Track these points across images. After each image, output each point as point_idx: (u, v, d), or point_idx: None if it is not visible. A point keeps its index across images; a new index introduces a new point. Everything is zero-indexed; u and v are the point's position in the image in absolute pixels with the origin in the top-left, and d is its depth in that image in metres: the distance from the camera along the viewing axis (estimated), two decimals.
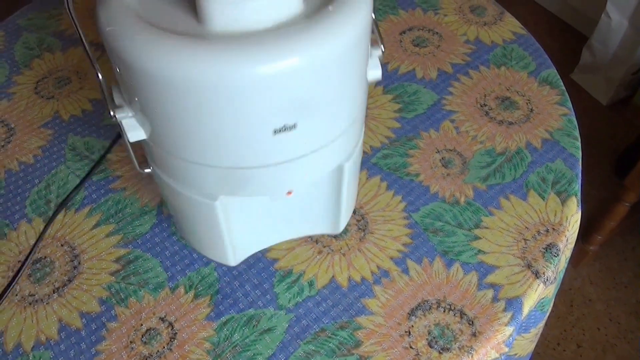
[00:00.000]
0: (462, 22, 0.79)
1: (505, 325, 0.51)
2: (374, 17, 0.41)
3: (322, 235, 0.57)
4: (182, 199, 0.46)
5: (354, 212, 0.58)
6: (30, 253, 0.55)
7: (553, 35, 1.92)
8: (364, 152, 0.63)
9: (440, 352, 0.49)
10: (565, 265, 0.62)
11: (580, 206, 0.60)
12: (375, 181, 0.61)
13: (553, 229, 0.57)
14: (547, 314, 0.62)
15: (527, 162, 0.63)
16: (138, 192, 0.60)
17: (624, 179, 1.21)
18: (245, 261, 0.55)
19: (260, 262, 0.55)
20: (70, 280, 0.54)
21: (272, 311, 0.52)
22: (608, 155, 1.59)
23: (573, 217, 0.59)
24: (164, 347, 0.50)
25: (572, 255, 1.15)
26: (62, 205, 0.58)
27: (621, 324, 1.30)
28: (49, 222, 0.57)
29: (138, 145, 0.45)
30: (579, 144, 0.65)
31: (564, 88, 0.70)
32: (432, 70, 0.72)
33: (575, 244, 0.64)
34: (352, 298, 0.53)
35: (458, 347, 0.49)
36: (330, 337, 0.50)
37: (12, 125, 0.67)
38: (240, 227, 0.48)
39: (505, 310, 0.52)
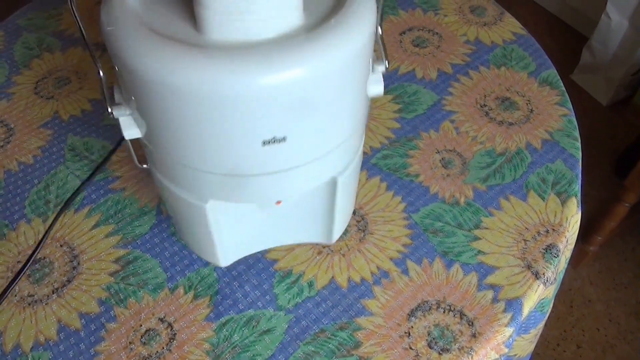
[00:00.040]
0: (462, 22, 0.78)
1: (505, 326, 0.51)
2: (380, 32, 0.41)
3: None
4: (175, 199, 0.46)
5: (354, 212, 0.58)
6: (33, 252, 0.55)
7: (553, 35, 1.92)
8: (364, 153, 0.63)
9: (440, 353, 0.49)
10: (565, 266, 0.62)
11: (580, 207, 0.60)
12: (375, 182, 0.61)
13: (553, 229, 0.57)
14: (547, 314, 0.62)
15: (527, 162, 0.63)
16: (137, 192, 0.60)
17: (624, 179, 1.21)
18: (245, 262, 0.55)
19: (260, 262, 0.55)
20: (69, 281, 0.54)
21: (271, 312, 0.52)
22: (608, 155, 1.59)
23: (573, 218, 0.59)
24: (163, 348, 0.49)
25: (572, 255, 1.15)
26: (65, 206, 0.58)
27: (621, 324, 1.30)
28: (52, 223, 0.57)
29: (138, 141, 0.45)
30: (579, 144, 0.64)
31: (564, 89, 0.70)
32: (432, 71, 0.72)
33: (575, 245, 0.64)
34: (352, 299, 0.53)
35: (458, 348, 0.49)
36: (329, 338, 0.50)
37: (12, 126, 0.67)
38: (231, 230, 0.48)
39: (505, 311, 0.52)
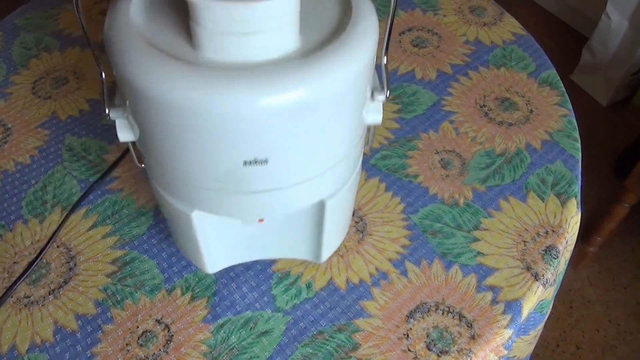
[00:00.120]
0: (462, 22, 0.78)
1: (505, 327, 0.51)
2: (385, 61, 0.40)
3: None
4: (165, 203, 0.46)
5: (353, 213, 0.58)
6: (40, 253, 0.55)
7: (553, 35, 1.92)
8: (363, 153, 0.63)
9: (438, 355, 0.49)
10: (565, 267, 0.62)
11: (580, 208, 0.60)
12: (374, 182, 0.61)
13: (553, 231, 0.57)
14: (547, 316, 0.61)
15: (526, 163, 0.62)
16: (135, 193, 0.60)
17: (624, 180, 1.21)
18: (243, 263, 0.55)
19: (258, 264, 0.55)
20: (66, 282, 0.53)
21: (269, 313, 0.52)
22: (608, 156, 1.59)
23: (573, 219, 0.58)
24: (160, 350, 0.49)
25: (571, 256, 1.15)
26: (71, 212, 0.57)
27: (620, 325, 1.30)
28: (59, 226, 0.57)
29: None
30: (578, 145, 0.64)
31: (563, 89, 0.70)
32: (431, 71, 0.72)
33: (574, 245, 0.64)
34: (350, 300, 0.52)
35: (457, 350, 0.49)
36: (328, 340, 0.50)
37: (9, 126, 0.66)
38: (217, 239, 0.48)
39: (504, 312, 0.51)
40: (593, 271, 1.39)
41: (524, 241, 0.56)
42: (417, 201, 0.59)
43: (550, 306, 0.62)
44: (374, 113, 0.41)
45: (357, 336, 0.50)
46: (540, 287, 0.53)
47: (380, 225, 0.57)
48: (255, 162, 0.37)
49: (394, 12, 0.38)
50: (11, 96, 0.69)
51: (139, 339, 0.50)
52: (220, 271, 0.54)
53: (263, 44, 0.33)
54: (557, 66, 0.75)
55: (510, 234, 0.57)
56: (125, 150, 0.63)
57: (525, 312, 0.52)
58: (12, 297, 0.52)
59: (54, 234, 0.56)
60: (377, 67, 0.42)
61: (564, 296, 1.35)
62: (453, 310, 0.51)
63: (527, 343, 0.61)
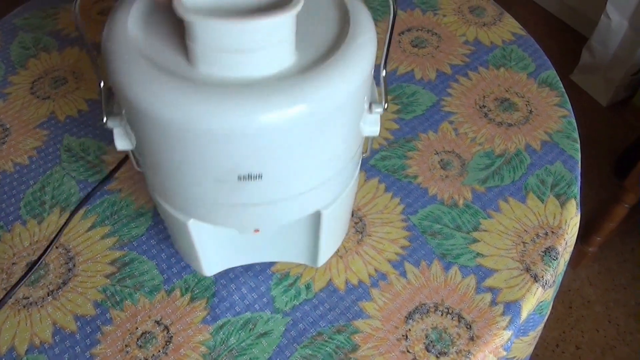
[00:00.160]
0: (461, 22, 0.78)
1: (504, 329, 0.51)
2: (384, 74, 0.40)
3: None
4: (162, 209, 0.46)
5: (352, 214, 0.58)
6: (43, 253, 0.55)
7: (553, 36, 1.92)
8: (362, 154, 0.63)
9: (437, 357, 0.49)
10: (564, 268, 0.62)
11: (579, 209, 0.60)
12: (373, 183, 0.61)
13: (552, 232, 0.57)
14: (546, 316, 0.61)
15: (526, 164, 0.62)
16: (134, 194, 0.60)
17: (624, 180, 1.20)
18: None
19: (257, 264, 0.55)
20: (65, 283, 0.53)
21: (268, 314, 0.51)
22: (607, 156, 1.59)
23: (572, 220, 0.58)
24: (159, 351, 0.49)
25: (571, 256, 1.15)
26: (71, 217, 0.57)
27: (620, 325, 1.30)
28: (60, 229, 0.57)
29: None
30: (578, 146, 0.64)
31: (563, 90, 0.70)
32: (430, 71, 0.72)
33: (574, 246, 0.64)
34: (350, 301, 0.52)
35: (456, 351, 0.49)
36: (327, 341, 0.50)
37: (7, 126, 0.66)
38: (214, 245, 0.48)
39: (503, 314, 0.51)
40: (593, 271, 1.39)
41: (523, 242, 0.56)
42: (416, 202, 0.59)
43: (550, 307, 0.62)
44: (372, 125, 0.41)
45: (357, 337, 0.50)
46: (540, 289, 0.53)
47: (379, 226, 0.57)
48: (250, 177, 0.37)
49: (392, 28, 0.38)
50: (9, 96, 0.69)
51: (138, 340, 0.50)
52: (219, 272, 0.54)
53: (259, 61, 0.33)
54: (557, 66, 0.75)
55: (510, 235, 0.57)
56: (125, 157, 0.63)
57: (524, 314, 0.52)
58: (10, 298, 0.52)
59: (54, 238, 0.56)
60: (376, 77, 0.42)
61: (563, 296, 1.35)
62: (452, 312, 0.51)
63: (527, 344, 0.61)
